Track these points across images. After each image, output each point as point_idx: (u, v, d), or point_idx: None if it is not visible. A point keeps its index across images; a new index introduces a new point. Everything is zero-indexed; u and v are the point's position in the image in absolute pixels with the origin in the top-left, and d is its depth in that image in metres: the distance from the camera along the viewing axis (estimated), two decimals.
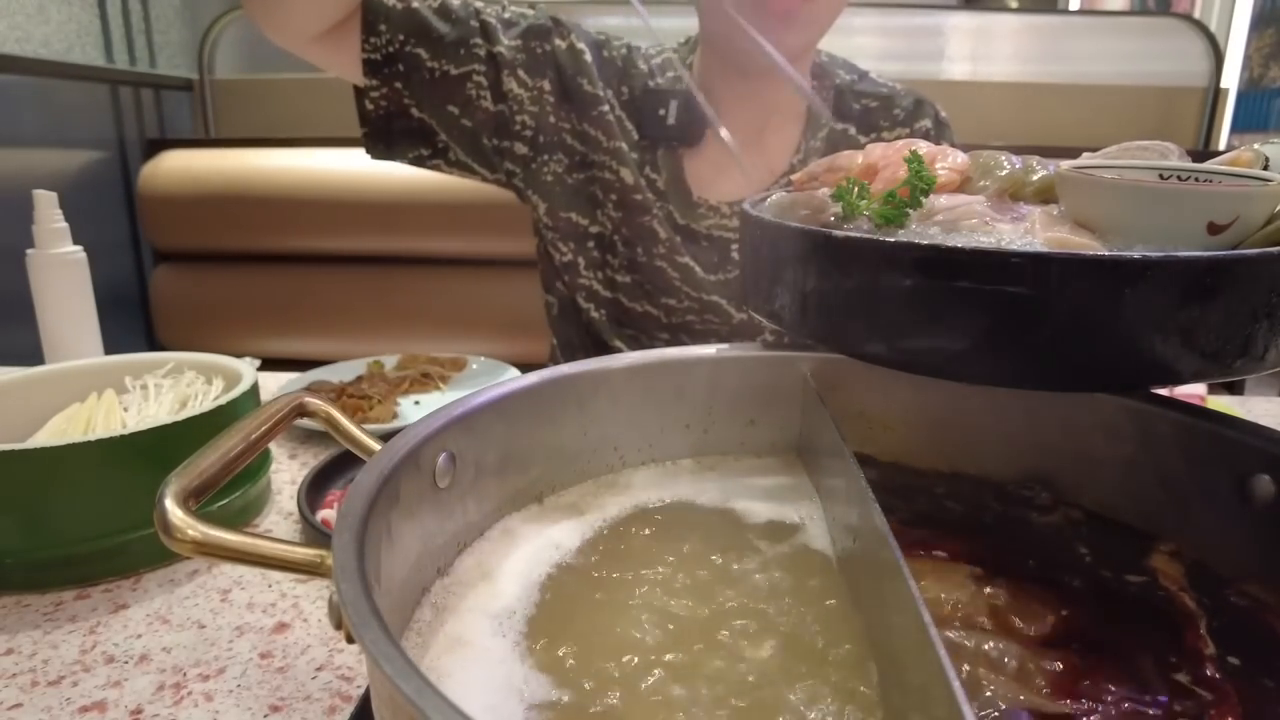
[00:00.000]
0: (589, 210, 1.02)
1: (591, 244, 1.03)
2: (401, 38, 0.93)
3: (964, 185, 0.53)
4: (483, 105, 0.97)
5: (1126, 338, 0.39)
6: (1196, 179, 0.45)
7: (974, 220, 0.46)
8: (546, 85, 0.98)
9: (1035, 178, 0.51)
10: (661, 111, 0.97)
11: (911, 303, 0.42)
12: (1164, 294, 0.38)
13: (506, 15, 0.98)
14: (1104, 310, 0.39)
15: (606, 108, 0.99)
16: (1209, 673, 0.36)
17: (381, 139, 0.99)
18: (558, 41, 0.98)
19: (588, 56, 0.99)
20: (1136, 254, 0.38)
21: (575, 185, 1.01)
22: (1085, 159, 0.49)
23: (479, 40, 0.95)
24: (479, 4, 0.98)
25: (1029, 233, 0.44)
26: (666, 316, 1.04)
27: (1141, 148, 0.49)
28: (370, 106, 0.96)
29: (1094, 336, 0.39)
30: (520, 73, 0.97)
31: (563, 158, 1.01)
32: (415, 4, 0.93)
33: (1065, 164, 0.47)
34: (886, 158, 0.55)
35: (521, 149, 1.00)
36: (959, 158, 0.54)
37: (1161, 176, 0.45)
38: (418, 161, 1.01)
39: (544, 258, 1.10)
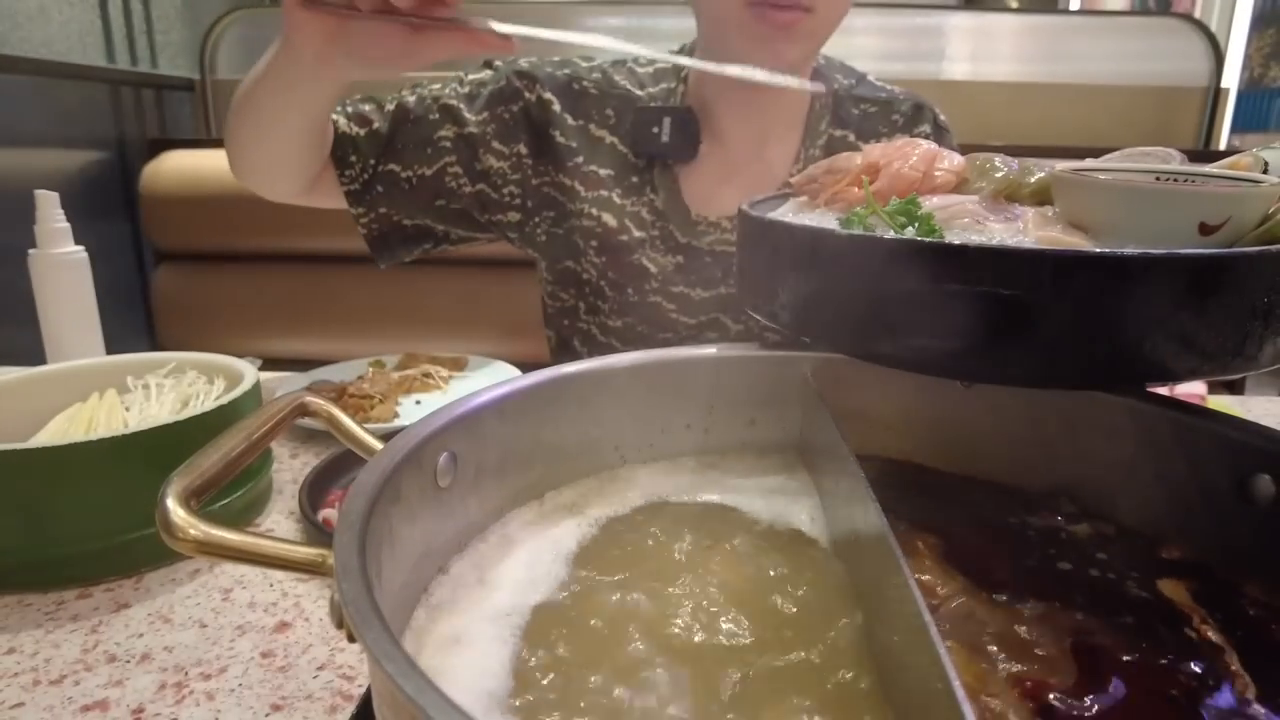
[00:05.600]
0: (577, 257, 1.02)
1: (588, 290, 1.04)
2: (373, 161, 0.94)
3: (960, 187, 0.53)
4: (464, 190, 0.97)
5: (1125, 335, 0.39)
6: (1190, 180, 0.45)
7: (966, 219, 0.46)
8: (522, 148, 0.98)
9: (1032, 180, 0.51)
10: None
11: (911, 300, 0.42)
12: (1163, 291, 0.38)
13: (466, 90, 0.97)
14: (1104, 308, 0.39)
15: (581, 159, 0.98)
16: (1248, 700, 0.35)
17: (385, 252, 1.01)
18: (526, 96, 0.97)
19: (556, 106, 0.98)
20: (1138, 251, 0.38)
21: (565, 234, 1.02)
22: (1088, 163, 0.49)
23: (445, 130, 0.95)
24: (436, 89, 0.97)
25: (1021, 232, 0.44)
26: None
27: (1143, 153, 0.50)
28: (366, 231, 0.99)
29: (1093, 334, 0.40)
30: (495, 144, 0.97)
31: (550, 212, 1.01)
32: (376, 124, 0.93)
33: (1061, 165, 0.48)
34: (887, 155, 0.55)
35: (514, 216, 1.01)
36: (955, 160, 0.54)
37: (1157, 179, 0.45)
38: (425, 255, 1.03)
39: (544, 301, 1.11)
